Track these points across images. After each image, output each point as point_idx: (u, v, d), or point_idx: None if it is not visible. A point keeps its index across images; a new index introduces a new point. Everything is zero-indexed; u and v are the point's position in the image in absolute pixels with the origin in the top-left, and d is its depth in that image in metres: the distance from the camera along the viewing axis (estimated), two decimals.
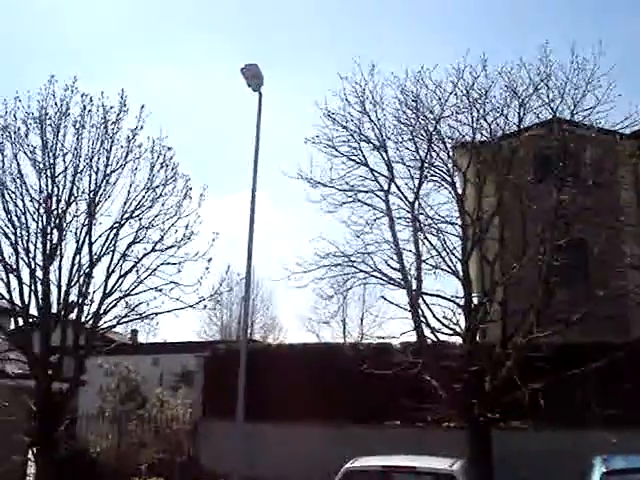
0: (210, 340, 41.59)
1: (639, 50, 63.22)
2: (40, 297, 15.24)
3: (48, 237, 15.35)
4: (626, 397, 16.14)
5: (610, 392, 15.76)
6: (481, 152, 15.34)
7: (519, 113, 15.06)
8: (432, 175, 15.43)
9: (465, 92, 15.11)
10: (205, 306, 16.41)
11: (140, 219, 16.01)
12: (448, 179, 15.29)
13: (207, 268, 15.87)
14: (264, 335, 46.91)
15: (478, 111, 15.21)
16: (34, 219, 15.42)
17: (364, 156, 15.53)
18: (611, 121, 14.95)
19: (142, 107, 16.09)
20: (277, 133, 51.67)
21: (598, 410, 14.21)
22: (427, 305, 14.81)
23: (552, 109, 15.02)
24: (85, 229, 15.55)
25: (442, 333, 14.91)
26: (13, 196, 15.46)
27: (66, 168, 15.58)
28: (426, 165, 15.24)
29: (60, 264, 15.39)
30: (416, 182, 15.28)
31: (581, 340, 16.73)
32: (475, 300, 15.17)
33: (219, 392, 19.21)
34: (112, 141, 15.95)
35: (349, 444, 18.30)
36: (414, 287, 14.69)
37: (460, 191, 15.22)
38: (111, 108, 15.99)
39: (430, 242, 15.10)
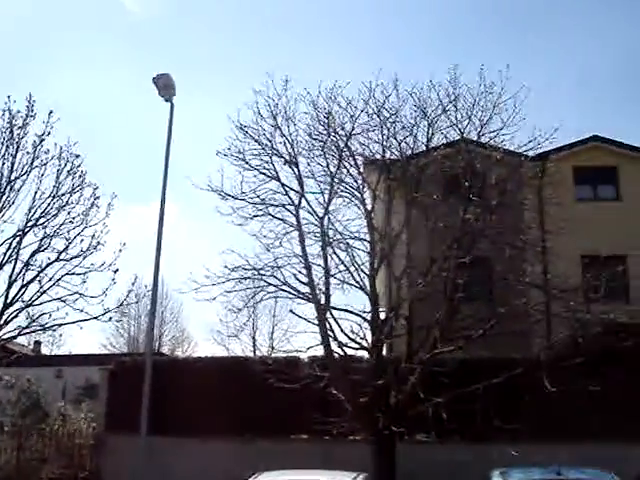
0: (117, 352, 40.72)
1: (546, 74, 65.50)
2: None
3: None
4: (526, 411, 16.66)
5: (511, 406, 16.23)
6: (391, 170, 15.61)
7: (428, 133, 15.45)
8: (342, 191, 15.61)
9: (376, 110, 15.39)
10: (110, 318, 16.11)
11: (45, 227, 15.67)
12: (358, 195, 15.51)
13: (113, 279, 15.61)
14: (173, 348, 46.22)
15: (388, 129, 15.51)
16: None
17: (275, 170, 15.59)
18: (516, 143, 15.54)
19: (50, 113, 15.78)
20: (193, 144, 51.40)
21: (499, 424, 14.53)
22: (335, 319, 14.94)
23: (460, 130, 15.47)
24: None
25: (349, 347, 15.06)
26: None
27: None
28: (336, 181, 15.42)
29: None
30: (326, 197, 15.44)
31: (483, 356, 17.20)
32: (382, 315, 15.38)
33: (124, 406, 18.81)
34: (17, 146, 15.57)
35: (256, 458, 18.16)
36: (322, 301, 14.78)
37: (369, 207, 15.43)
38: (18, 112, 15.60)
39: (339, 257, 15.28)
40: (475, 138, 15.47)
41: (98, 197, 16.22)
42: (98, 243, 15.95)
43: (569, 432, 17.27)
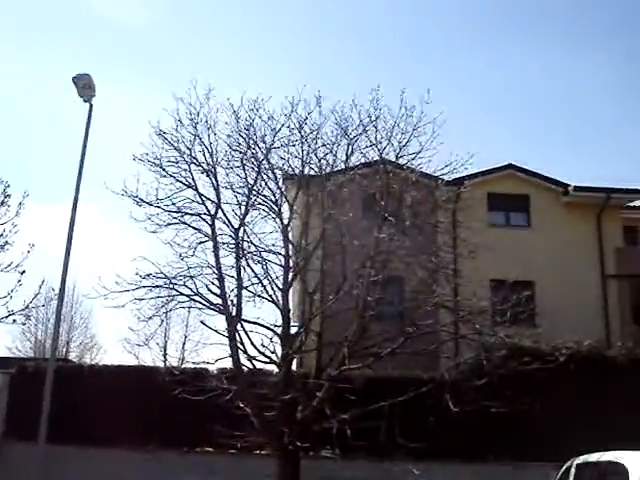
0: (23, 357, 39.44)
1: (465, 98, 67.17)
2: None
3: None
4: (431, 430, 16.93)
5: (416, 425, 16.47)
6: (309, 185, 15.70)
7: (347, 151, 15.59)
8: (260, 204, 15.60)
9: (298, 125, 15.45)
10: (14, 320, 15.60)
11: None
12: (275, 209, 15.51)
13: (19, 281, 15.14)
14: (81, 354, 45.02)
15: (309, 145, 15.59)
16: None
17: (193, 179, 15.45)
18: (433, 167, 15.85)
19: None
20: (115, 146, 50.44)
21: (403, 441, 14.70)
22: (246, 332, 14.86)
23: (379, 150, 15.65)
24: None
25: (258, 361, 15.03)
26: None
27: None
28: (254, 193, 15.40)
29: None
30: (243, 209, 15.38)
31: (391, 374, 17.45)
32: (293, 330, 15.41)
33: (25, 412, 18.24)
34: None
35: (160, 470, 18.02)
36: (233, 313, 14.70)
37: (286, 221, 15.46)
38: None
39: (252, 270, 15.23)
40: (393, 159, 15.68)
41: (8, 195, 15.75)
42: (6, 243, 15.48)
43: (471, 452, 17.71)
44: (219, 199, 15.35)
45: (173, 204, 15.33)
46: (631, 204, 27.84)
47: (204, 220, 15.32)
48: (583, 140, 67.69)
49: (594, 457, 9.35)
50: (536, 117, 68.93)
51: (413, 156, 15.57)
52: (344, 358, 14.27)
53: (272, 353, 14.81)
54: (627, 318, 24.97)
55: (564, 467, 10.70)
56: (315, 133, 15.54)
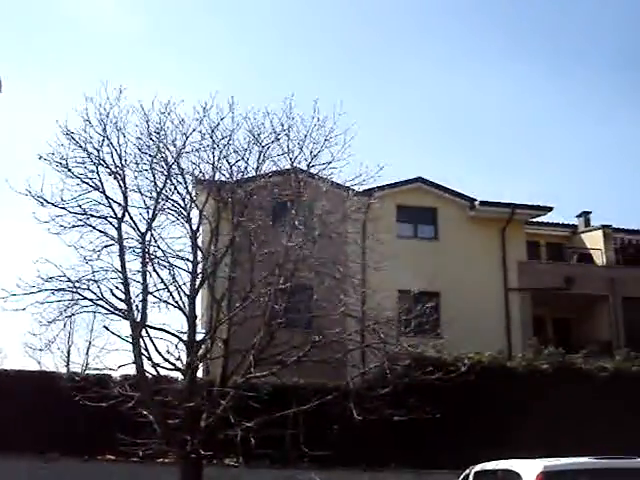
0: None
1: (376, 112, 68.16)
2: None
3: None
4: (334, 438, 17.08)
5: (321, 433, 16.60)
6: (220, 191, 15.60)
7: (259, 159, 15.55)
8: (169, 208, 15.39)
9: (210, 131, 15.33)
10: None
11: None
12: (184, 214, 15.32)
13: None
14: None
15: (220, 151, 15.46)
16: None
17: (100, 180, 15.10)
18: (343, 177, 15.99)
19: None
20: (20, 145, 48.86)
21: (307, 449, 14.76)
22: (151, 338, 14.62)
23: (291, 159, 15.67)
24: None
25: (163, 368, 14.79)
26: None
27: None
28: (163, 197, 15.18)
29: None
30: (151, 213, 15.13)
31: (297, 382, 17.51)
32: (200, 337, 15.26)
33: None
34: None
35: (59, 478, 17.51)
36: (138, 319, 14.45)
37: (195, 227, 15.30)
38: None
39: (159, 275, 14.97)
40: (305, 168, 15.75)
41: None
42: None
43: (373, 459, 17.94)
44: (126, 202, 15.04)
45: (79, 206, 14.94)
46: (534, 220, 28.83)
47: (110, 223, 14.99)
48: (499, 156, 69.65)
49: (491, 465, 9.59)
50: (452, 133, 70.50)
51: (324, 166, 15.67)
52: (250, 366, 14.22)
53: (177, 360, 14.59)
54: (528, 330, 25.80)
55: (462, 475, 10.94)
56: (227, 139, 15.42)
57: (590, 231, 30.38)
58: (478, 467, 10.13)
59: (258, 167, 15.60)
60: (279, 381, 15.81)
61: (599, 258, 29.09)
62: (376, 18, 69.90)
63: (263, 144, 15.52)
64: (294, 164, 15.68)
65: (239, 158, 15.56)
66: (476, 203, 26.92)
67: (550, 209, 27.84)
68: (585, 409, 19.30)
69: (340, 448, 17.07)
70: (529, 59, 68.73)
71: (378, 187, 19.05)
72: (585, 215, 31.55)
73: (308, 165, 15.67)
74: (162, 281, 14.89)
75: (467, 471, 10.69)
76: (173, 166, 15.19)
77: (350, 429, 15.89)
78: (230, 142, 15.47)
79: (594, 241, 29.68)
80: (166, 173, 15.15)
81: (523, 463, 8.41)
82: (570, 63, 69.72)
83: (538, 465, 7.91)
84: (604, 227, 29.45)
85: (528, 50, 70.00)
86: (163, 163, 15.20)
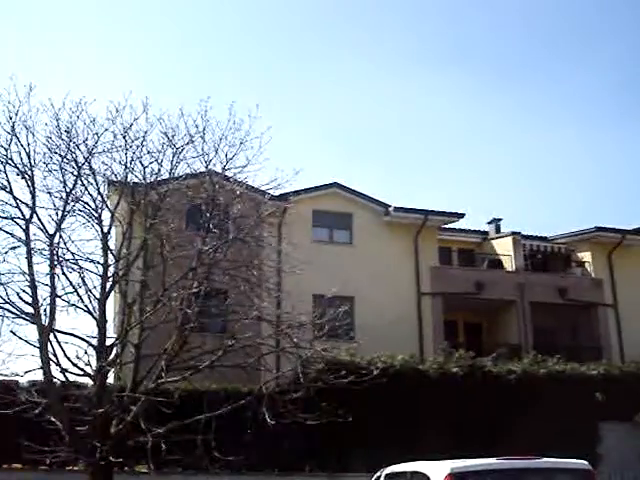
0: None
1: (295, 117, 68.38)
2: None
3: None
4: (248, 443, 17.00)
5: (234, 437, 16.49)
6: (133, 193, 15.32)
7: (173, 161, 15.34)
8: (80, 210, 15.01)
9: (122, 131, 15.03)
10: None
11: None
12: (95, 216, 14.97)
13: None
14: None
15: (134, 152, 15.18)
16: None
17: (8, 180, 14.64)
18: (259, 181, 15.95)
19: None
20: None
21: (219, 455, 14.63)
22: (59, 343, 14.23)
23: (206, 162, 15.53)
24: None
25: (72, 373, 14.42)
26: None
27: None
28: (73, 198, 14.80)
29: None
30: (60, 214, 14.73)
31: (210, 387, 17.37)
32: (110, 341, 14.94)
33: None
34: None
35: None
36: (46, 323, 14.04)
37: (106, 229, 14.98)
38: None
39: (68, 278, 14.60)
40: (220, 171, 15.64)
41: None
42: None
43: (287, 463, 17.95)
44: (35, 203, 14.62)
45: None
46: (447, 226, 29.41)
47: (18, 224, 14.55)
48: (416, 162, 70.76)
49: (401, 467, 9.72)
50: (370, 139, 71.27)
51: (240, 169, 15.59)
52: (162, 371, 14.01)
53: (87, 365, 14.25)
54: (440, 333, 26.29)
55: (374, 477, 11.05)
56: (140, 140, 15.16)
57: (500, 238, 31.18)
58: (388, 470, 10.25)
59: (172, 169, 15.40)
60: (192, 386, 15.63)
61: (509, 264, 29.87)
62: (296, 22, 70.18)
63: (177, 146, 15.33)
64: (209, 167, 15.55)
65: (153, 160, 15.34)
66: (390, 209, 27.29)
67: (462, 215, 28.48)
68: (494, 411, 19.82)
69: (253, 453, 17.04)
70: (444, 67, 70.18)
71: (294, 192, 19.15)
72: (496, 222, 32.38)
73: (223, 168, 15.56)
74: (71, 284, 14.53)
75: (378, 473, 10.81)
76: (84, 167, 14.84)
77: (263, 434, 15.86)
78: (144, 143, 15.23)
79: (504, 247, 30.46)
80: (76, 174, 14.79)
81: (431, 465, 8.56)
82: (485, 71, 71.53)
83: (446, 467, 8.06)
84: (513, 234, 30.26)
85: (443, 58, 71.48)
86: (73, 163, 14.83)
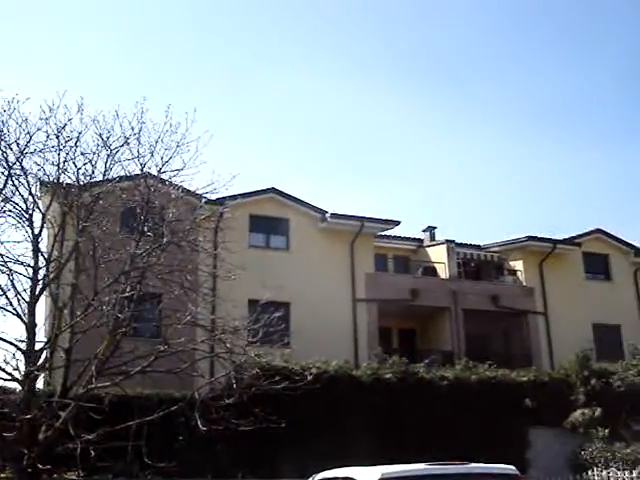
0: None
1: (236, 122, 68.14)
2: None
3: None
4: (180, 449, 16.81)
5: (166, 444, 16.29)
6: (66, 195, 15.03)
7: (107, 163, 15.11)
8: (9, 210, 14.66)
9: (56, 132, 14.75)
10: None
11: None
12: (26, 216, 14.64)
13: None
14: None
15: (67, 153, 14.90)
16: None
17: None
18: (195, 185, 15.82)
19: None
20: None
21: (151, 461, 14.44)
22: None
23: (141, 164, 15.34)
24: None
25: (0, 378, 14.09)
26: None
27: None
28: (3, 199, 14.44)
29: None
30: None
31: (141, 392, 17.14)
32: (40, 345, 14.62)
33: None
34: None
35: None
36: None
37: (37, 231, 14.66)
38: None
39: None
40: (155, 174, 15.46)
41: None
42: None
43: (220, 470, 17.80)
44: None
45: None
46: (383, 233, 29.68)
47: None
48: (355, 169, 71.15)
49: (331, 473, 9.73)
50: (310, 145, 71.40)
51: (176, 172, 15.44)
52: (92, 376, 13.77)
53: (15, 370, 13.95)
54: (374, 340, 26.48)
55: None
56: (74, 141, 14.88)
57: (435, 245, 31.65)
58: (320, 475, 10.25)
59: (106, 171, 15.15)
60: (123, 392, 15.41)
61: (443, 271, 30.31)
62: (234, 26, 69.96)
63: (112, 147, 15.10)
64: (144, 169, 15.36)
65: (87, 161, 15.07)
66: (327, 215, 27.40)
67: (398, 223, 28.77)
68: (427, 417, 20.05)
69: (185, 459, 16.84)
70: (384, 73, 70.86)
71: (231, 196, 19.03)
72: (430, 230, 32.83)
73: (159, 171, 15.37)
74: (0, 287, 14.18)
75: (310, 479, 10.80)
76: (15, 166, 14.51)
77: (196, 440, 15.75)
78: (77, 144, 14.94)
79: (438, 255, 30.92)
80: (7, 173, 14.45)
81: (361, 470, 8.60)
82: (425, 78, 72.46)
83: (376, 472, 8.10)
84: (448, 242, 30.77)
85: (383, 64, 72.17)
86: (4, 163, 14.50)
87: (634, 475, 18.17)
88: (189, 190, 16.23)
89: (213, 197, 16.64)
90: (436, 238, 32.31)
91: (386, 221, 28.56)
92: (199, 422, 13.79)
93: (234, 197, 19.57)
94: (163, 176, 15.57)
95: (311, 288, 25.85)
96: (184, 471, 17.05)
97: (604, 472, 19.15)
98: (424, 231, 33.01)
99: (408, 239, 32.56)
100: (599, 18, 68.93)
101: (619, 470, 18.75)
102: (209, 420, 14.11)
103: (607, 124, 73.23)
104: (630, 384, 23.07)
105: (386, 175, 70.26)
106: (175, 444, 16.90)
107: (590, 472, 19.55)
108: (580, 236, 31.81)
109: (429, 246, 32.03)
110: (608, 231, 32.65)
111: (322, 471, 10.33)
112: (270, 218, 27.09)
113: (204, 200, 16.43)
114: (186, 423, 14.98)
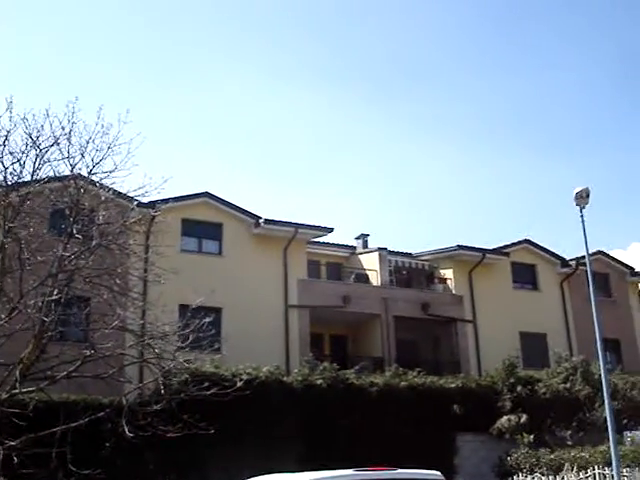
0: None
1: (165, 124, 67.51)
2: None
3: None
4: (106, 456, 16.48)
5: (92, 450, 15.96)
6: None
7: (36, 163, 14.80)
8: None
9: None
10: None
11: None
12: None
13: None
14: None
15: None
16: None
17: None
18: (127, 188, 15.64)
19: None
20: None
21: (75, 469, 14.15)
22: None
23: (71, 165, 15.09)
24: None
25: None
26: None
27: None
28: None
29: None
30: None
31: (67, 398, 16.79)
32: None
33: None
34: None
35: None
36: None
37: None
38: None
39: None
40: (86, 175, 15.22)
41: None
42: None
43: (147, 477, 17.52)
44: None
45: None
46: (316, 240, 29.77)
47: None
48: (291, 175, 71.18)
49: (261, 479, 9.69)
50: (246, 151, 71.16)
51: (107, 174, 15.24)
52: (16, 381, 13.46)
53: None
54: (306, 346, 26.51)
55: None
56: (2, 140, 14.54)
57: (367, 253, 31.88)
58: None
59: (35, 171, 14.84)
60: (48, 397, 15.08)
61: (375, 279, 30.56)
62: (173, 28, 69.35)
63: (42, 147, 14.80)
64: (74, 170, 15.11)
65: (15, 160, 14.74)
66: (261, 221, 27.34)
67: (331, 230, 28.89)
68: (357, 423, 20.18)
69: (111, 466, 16.52)
70: (320, 81, 71.19)
71: (163, 200, 18.83)
72: (363, 237, 33.06)
73: (89, 172, 15.17)
74: None
75: None
76: None
77: (123, 446, 15.45)
78: (5, 143, 14.62)
79: (370, 262, 31.16)
80: None
81: (291, 477, 8.60)
82: (362, 88, 73.04)
83: (304, 478, 8.12)
84: (380, 249, 31.06)
85: (319, 73, 72.51)
86: None
87: None
88: (120, 192, 16.05)
89: (145, 200, 16.40)
90: (369, 246, 32.56)
91: (319, 228, 28.66)
92: (126, 428, 13.60)
93: (166, 200, 19.31)
94: (94, 178, 15.38)
95: (243, 293, 25.76)
96: (110, 478, 16.76)
97: (529, 477, 19.56)
98: (357, 239, 33.23)
99: (341, 246, 32.72)
100: (541, 23, 70.65)
101: (543, 475, 19.17)
102: (137, 426, 13.93)
103: (541, 136, 75.04)
104: (555, 391, 23.64)
105: (321, 183, 70.59)
106: (101, 451, 16.58)
107: (515, 477, 19.96)
108: (509, 246, 32.48)
109: (362, 253, 32.24)
110: (536, 242, 33.45)
111: (250, 477, 10.28)
112: (203, 223, 26.87)
113: (135, 203, 16.20)
114: (113, 429, 14.74)
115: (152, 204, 18.47)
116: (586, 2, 71.86)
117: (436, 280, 32.04)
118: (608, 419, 15.72)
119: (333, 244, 32.19)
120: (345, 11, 70.94)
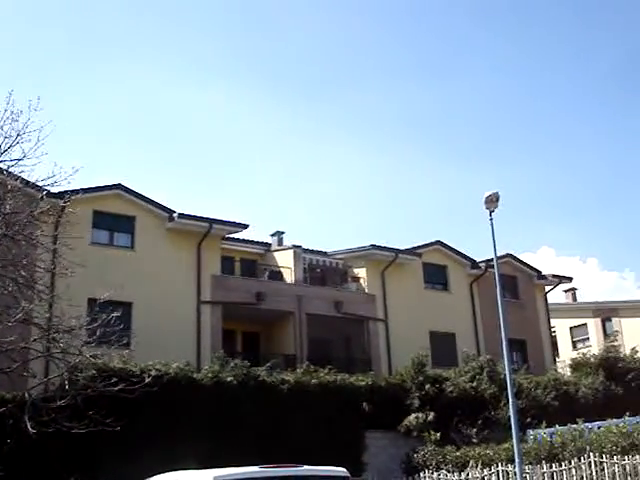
0: None
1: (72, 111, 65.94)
2: None
3: None
4: (9, 453, 16.02)
5: None
6: None
7: None
8: None
9: None
10: None
11: None
12: None
13: None
14: None
15: None
16: None
17: None
18: (36, 177, 15.18)
19: None
20: None
21: None
22: None
23: None
24: None
25: None
26: None
27: None
28: None
29: None
30: None
31: None
32: None
33: None
34: None
35: None
36: None
37: None
38: None
39: None
40: None
41: None
42: None
43: (50, 475, 17.10)
44: None
45: None
46: (231, 236, 29.56)
47: None
48: (208, 171, 70.42)
49: (165, 477, 9.58)
50: (165, 144, 70.09)
51: (15, 162, 14.78)
52: None
53: None
54: (218, 342, 26.31)
55: None
56: None
57: (282, 250, 31.87)
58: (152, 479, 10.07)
59: None
60: None
61: (289, 276, 30.58)
62: (90, 19, 67.77)
63: None
64: None
65: None
66: (175, 215, 26.96)
67: (246, 226, 28.72)
68: (267, 420, 20.18)
69: (14, 464, 16.07)
70: (241, 79, 70.79)
71: (73, 190, 18.31)
72: (279, 234, 33.03)
73: None
74: None
75: None
76: None
77: (26, 443, 15.02)
78: None
79: (285, 260, 31.17)
80: None
81: (194, 474, 8.54)
82: (284, 88, 72.95)
83: (209, 475, 8.07)
84: (295, 247, 31.11)
85: (241, 70, 72.08)
86: None
87: (462, 477, 19.01)
88: (28, 181, 15.58)
89: (54, 190, 15.97)
90: (284, 243, 32.55)
91: (234, 224, 28.46)
92: (28, 424, 13.21)
93: (77, 191, 18.79)
94: (1, 165, 14.86)
95: (155, 288, 25.36)
96: (12, 475, 16.27)
97: (435, 474, 19.93)
98: (272, 235, 33.17)
99: (256, 243, 32.60)
100: (479, 27, 72.00)
101: (449, 472, 19.57)
102: (40, 422, 13.54)
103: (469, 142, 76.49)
104: (462, 390, 24.21)
105: (238, 180, 70.21)
106: (3, 447, 16.08)
107: (422, 474, 20.31)
108: (421, 247, 33.02)
109: (276, 251, 32.20)
110: (448, 243, 34.10)
111: (153, 476, 10.13)
112: (115, 215, 26.27)
113: (44, 192, 15.73)
114: (15, 425, 14.29)
115: (62, 194, 17.98)
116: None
117: (350, 279, 32.28)
118: (512, 417, 16.12)
119: (248, 241, 32.04)
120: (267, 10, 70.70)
